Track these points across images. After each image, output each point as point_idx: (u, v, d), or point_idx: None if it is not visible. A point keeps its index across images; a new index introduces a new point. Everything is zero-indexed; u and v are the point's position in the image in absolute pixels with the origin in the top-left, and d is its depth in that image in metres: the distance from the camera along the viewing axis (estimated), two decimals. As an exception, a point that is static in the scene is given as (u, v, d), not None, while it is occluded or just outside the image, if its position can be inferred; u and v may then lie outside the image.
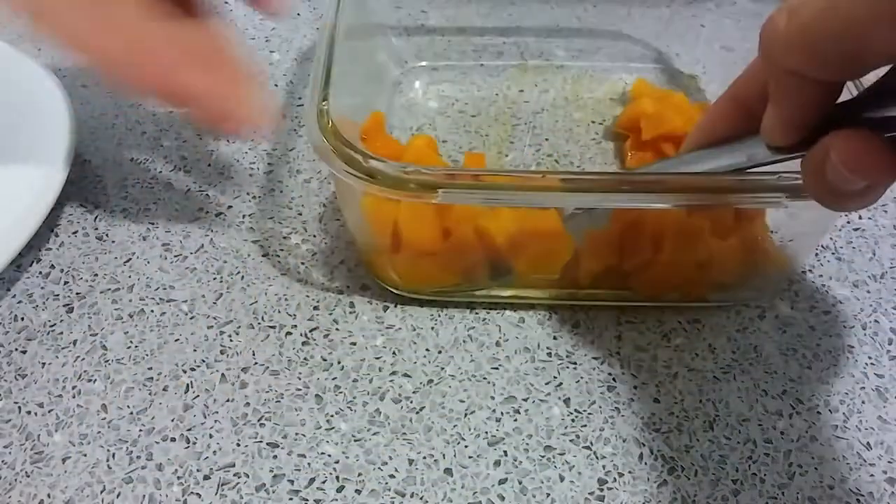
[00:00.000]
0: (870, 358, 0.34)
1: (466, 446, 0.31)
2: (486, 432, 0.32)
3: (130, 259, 0.38)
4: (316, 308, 0.36)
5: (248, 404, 0.32)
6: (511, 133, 0.44)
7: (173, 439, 0.31)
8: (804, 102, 0.23)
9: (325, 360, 0.34)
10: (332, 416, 0.32)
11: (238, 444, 0.31)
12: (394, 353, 0.34)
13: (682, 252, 0.33)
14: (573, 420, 0.32)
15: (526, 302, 0.36)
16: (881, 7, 0.18)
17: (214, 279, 0.37)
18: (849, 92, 0.24)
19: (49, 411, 0.32)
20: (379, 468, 0.30)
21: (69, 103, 0.42)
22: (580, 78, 0.48)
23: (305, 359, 0.34)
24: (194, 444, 0.31)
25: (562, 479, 0.30)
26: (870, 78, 0.21)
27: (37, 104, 0.42)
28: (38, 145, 0.40)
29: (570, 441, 0.31)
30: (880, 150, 0.21)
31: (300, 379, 0.33)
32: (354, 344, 0.35)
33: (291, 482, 0.30)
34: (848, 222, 0.40)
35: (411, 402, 0.33)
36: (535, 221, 0.33)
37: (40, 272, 0.38)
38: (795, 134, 0.24)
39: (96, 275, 0.37)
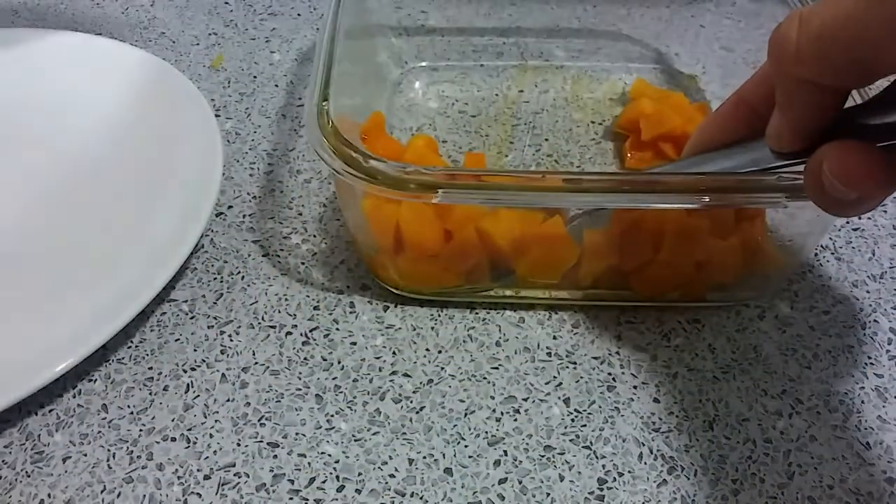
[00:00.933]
0: (869, 358, 0.34)
1: (466, 446, 0.31)
2: (486, 432, 0.32)
3: (130, 259, 0.38)
4: (316, 308, 0.36)
5: (248, 404, 0.32)
6: (511, 133, 0.44)
7: (174, 439, 0.31)
8: (811, 110, 0.23)
9: (325, 359, 0.34)
10: (332, 415, 0.32)
11: (238, 444, 0.31)
12: (394, 353, 0.34)
13: (682, 252, 0.33)
14: (573, 420, 0.32)
15: (526, 302, 0.36)
16: (894, 16, 0.18)
17: (214, 279, 0.37)
18: (852, 99, 0.24)
19: (49, 411, 0.32)
20: (379, 468, 0.30)
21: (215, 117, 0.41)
22: (580, 78, 0.48)
23: (305, 359, 0.34)
24: (194, 443, 0.31)
25: (562, 478, 0.30)
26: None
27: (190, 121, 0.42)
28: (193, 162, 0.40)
29: (570, 441, 0.31)
30: (874, 163, 0.21)
31: (300, 379, 0.33)
32: (354, 344, 0.35)
33: (291, 482, 0.30)
34: (847, 222, 0.40)
35: (411, 401, 0.33)
36: (539, 226, 0.33)
37: (40, 272, 0.37)
38: (801, 141, 0.24)
39: (96, 275, 0.37)
